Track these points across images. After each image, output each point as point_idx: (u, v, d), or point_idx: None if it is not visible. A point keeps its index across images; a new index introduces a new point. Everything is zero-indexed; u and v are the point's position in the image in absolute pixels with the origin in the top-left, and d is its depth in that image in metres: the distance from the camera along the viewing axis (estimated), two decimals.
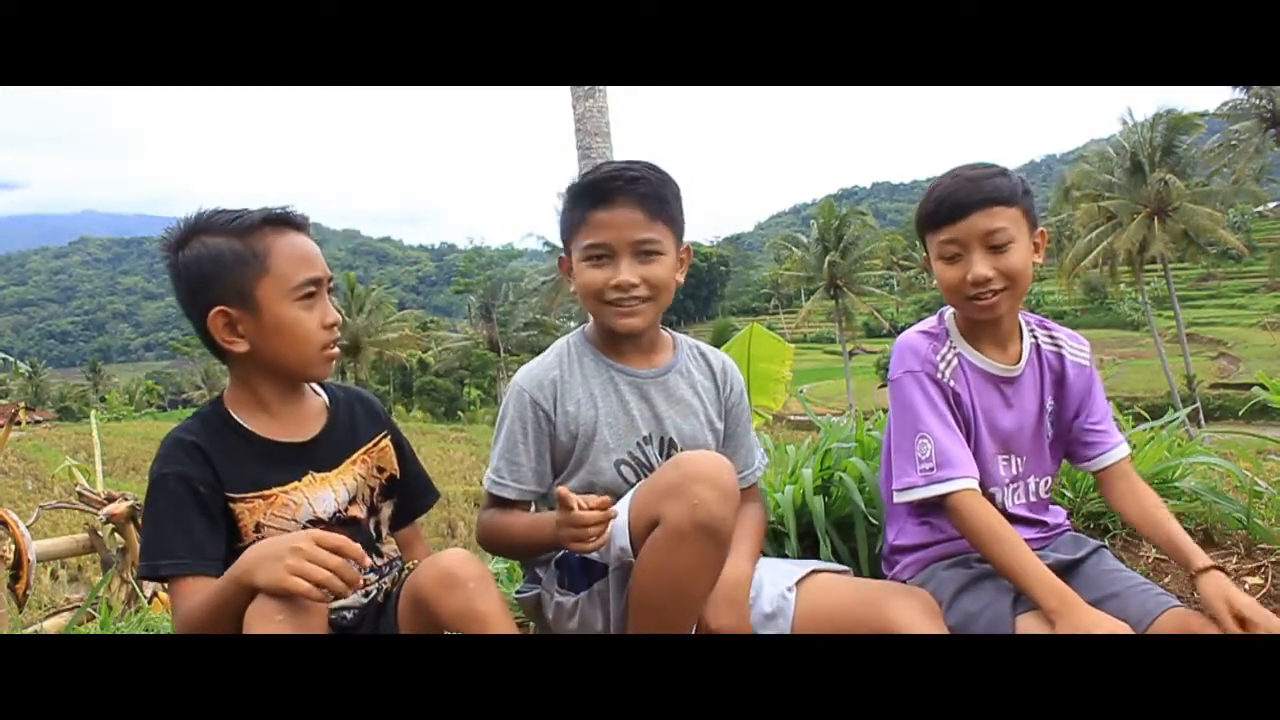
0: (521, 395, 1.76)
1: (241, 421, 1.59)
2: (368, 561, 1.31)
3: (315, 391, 1.71)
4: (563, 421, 1.76)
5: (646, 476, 1.77)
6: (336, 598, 1.31)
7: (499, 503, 1.78)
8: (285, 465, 1.59)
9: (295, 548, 1.27)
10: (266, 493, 1.56)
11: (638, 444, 1.78)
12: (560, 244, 1.83)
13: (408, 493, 1.78)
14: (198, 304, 1.53)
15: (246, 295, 1.52)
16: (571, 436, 1.76)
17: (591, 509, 1.46)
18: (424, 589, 1.45)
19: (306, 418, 1.66)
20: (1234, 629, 1.47)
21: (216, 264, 1.51)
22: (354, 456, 1.68)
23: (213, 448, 1.54)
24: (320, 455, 1.64)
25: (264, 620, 1.26)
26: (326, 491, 1.62)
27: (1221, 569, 1.58)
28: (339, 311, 1.63)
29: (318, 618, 1.30)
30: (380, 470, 1.72)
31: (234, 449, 1.56)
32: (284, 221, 1.56)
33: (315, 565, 1.26)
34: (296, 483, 1.59)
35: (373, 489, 1.70)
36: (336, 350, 1.61)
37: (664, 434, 1.80)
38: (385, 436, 1.75)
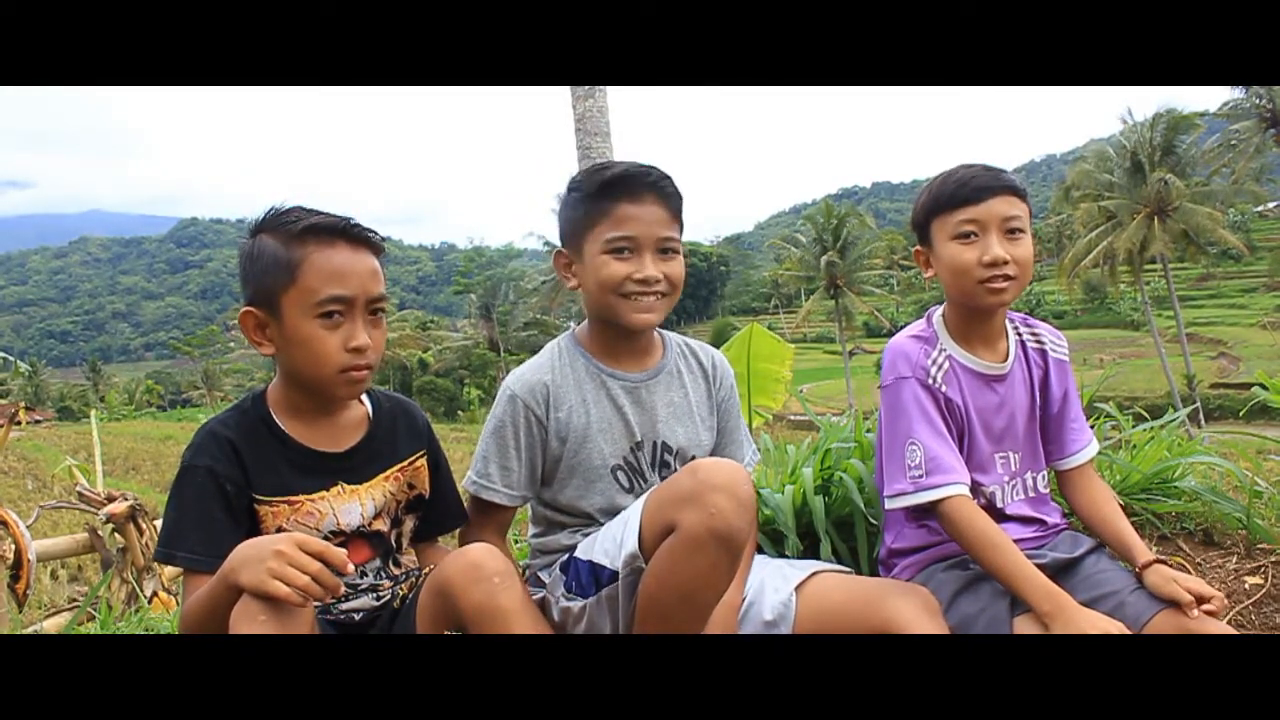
0: (514, 400, 1.74)
1: (279, 423, 1.57)
2: (350, 569, 1.30)
3: (359, 400, 1.67)
4: (554, 427, 1.74)
5: (640, 482, 1.77)
6: (319, 601, 1.31)
7: (485, 508, 1.75)
8: (317, 474, 1.58)
9: (277, 550, 1.26)
10: (293, 499, 1.55)
11: (631, 449, 1.77)
12: (558, 241, 1.81)
13: (433, 512, 1.75)
14: (243, 298, 1.53)
15: (273, 302, 1.50)
16: (561, 442, 1.75)
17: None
18: (449, 579, 1.44)
19: (345, 427, 1.63)
20: (1195, 606, 1.51)
21: (255, 265, 1.50)
22: (387, 472, 1.66)
23: (246, 446, 1.52)
24: (353, 468, 1.61)
25: (248, 620, 1.26)
26: (354, 504, 1.60)
27: (1165, 562, 1.62)
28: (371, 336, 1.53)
29: (302, 618, 1.29)
30: (411, 487, 1.70)
31: (267, 451, 1.54)
32: (331, 231, 1.50)
33: (295, 570, 1.25)
34: (325, 493, 1.58)
35: (399, 503, 1.69)
36: (363, 374, 1.53)
37: (657, 438, 1.79)
38: (422, 456, 1.72)
